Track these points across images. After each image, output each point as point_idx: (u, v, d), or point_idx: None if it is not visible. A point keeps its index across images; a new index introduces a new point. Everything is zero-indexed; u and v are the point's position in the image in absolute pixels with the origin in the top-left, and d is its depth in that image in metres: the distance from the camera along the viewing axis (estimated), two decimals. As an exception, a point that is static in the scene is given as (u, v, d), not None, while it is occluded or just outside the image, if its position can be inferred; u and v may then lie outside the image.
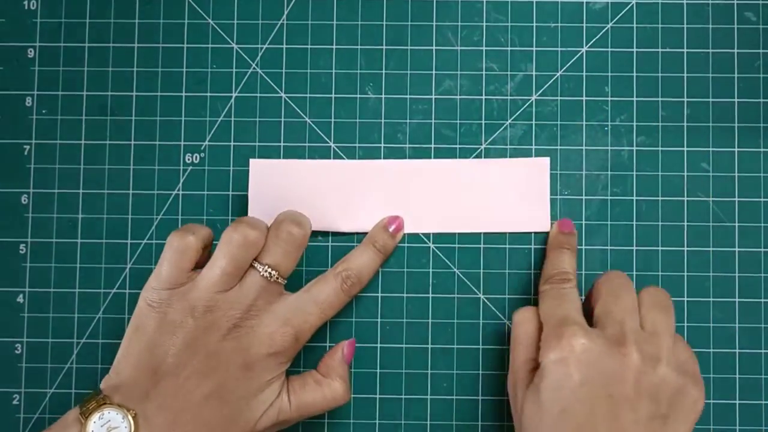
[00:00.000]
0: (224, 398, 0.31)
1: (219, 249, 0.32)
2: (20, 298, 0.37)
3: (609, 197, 0.37)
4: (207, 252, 0.33)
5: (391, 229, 0.36)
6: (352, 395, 0.37)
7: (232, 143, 0.37)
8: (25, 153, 0.38)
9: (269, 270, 0.32)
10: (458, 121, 0.38)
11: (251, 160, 0.37)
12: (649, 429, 0.29)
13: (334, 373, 0.34)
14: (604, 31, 0.38)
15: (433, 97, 0.38)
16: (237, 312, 0.31)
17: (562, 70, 0.38)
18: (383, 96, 0.38)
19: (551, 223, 0.37)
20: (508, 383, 0.33)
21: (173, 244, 0.32)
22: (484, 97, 0.38)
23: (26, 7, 0.38)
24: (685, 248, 0.37)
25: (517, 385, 0.32)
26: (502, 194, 0.37)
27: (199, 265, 0.32)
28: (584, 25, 0.38)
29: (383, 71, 0.38)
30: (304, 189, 0.37)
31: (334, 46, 0.38)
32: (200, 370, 0.31)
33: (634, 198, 0.37)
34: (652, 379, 0.29)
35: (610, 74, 0.37)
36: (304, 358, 0.37)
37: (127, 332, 0.32)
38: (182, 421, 0.30)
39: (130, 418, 0.29)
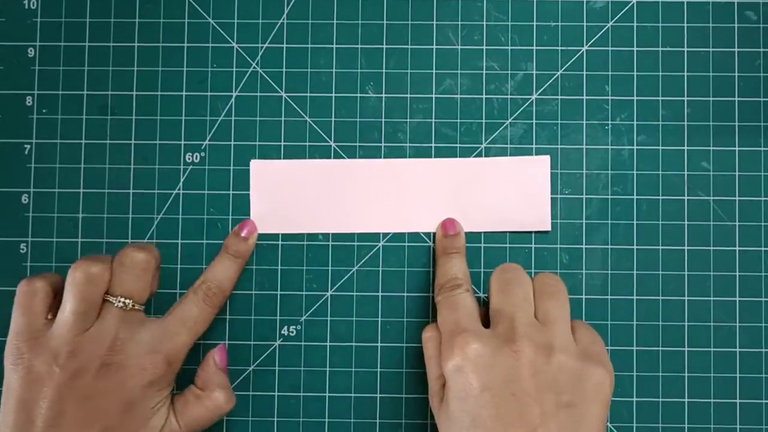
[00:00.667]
0: None
1: (66, 292, 0.31)
2: (21, 298, 0.37)
3: (609, 196, 0.37)
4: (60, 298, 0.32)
5: (243, 234, 0.36)
6: (353, 394, 0.37)
7: (232, 142, 0.38)
8: (26, 152, 0.38)
9: (122, 300, 0.32)
10: (458, 121, 0.38)
11: (252, 161, 0.37)
12: (558, 419, 0.28)
13: (212, 384, 0.34)
14: (604, 30, 0.38)
15: (434, 96, 0.38)
16: (101, 350, 0.30)
17: (563, 69, 0.38)
18: (384, 95, 0.38)
19: (549, 222, 0.37)
20: (430, 399, 0.33)
21: (19, 291, 0.31)
22: (484, 96, 0.38)
23: (26, 7, 0.38)
24: (686, 247, 0.37)
25: (433, 402, 0.32)
26: (502, 193, 0.37)
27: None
28: (584, 24, 0.38)
29: (383, 70, 0.38)
30: (305, 189, 0.37)
31: (334, 46, 0.38)
32: (80, 418, 0.30)
33: (635, 197, 0.37)
34: (549, 370, 0.29)
35: (610, 73, 0.37)
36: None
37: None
38: None
39: None
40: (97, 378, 0.30)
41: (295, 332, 0.37)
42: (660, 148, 0.37)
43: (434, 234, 0.37)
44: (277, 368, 0.37)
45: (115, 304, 0.31)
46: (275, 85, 0.38)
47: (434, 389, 0.32)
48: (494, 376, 0.29)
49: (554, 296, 0.32)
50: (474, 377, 0.29)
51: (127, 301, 0.32)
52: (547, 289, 0.32)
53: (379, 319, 0.37)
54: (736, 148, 0.37)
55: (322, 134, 0.38)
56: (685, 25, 0.38)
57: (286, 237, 0.37)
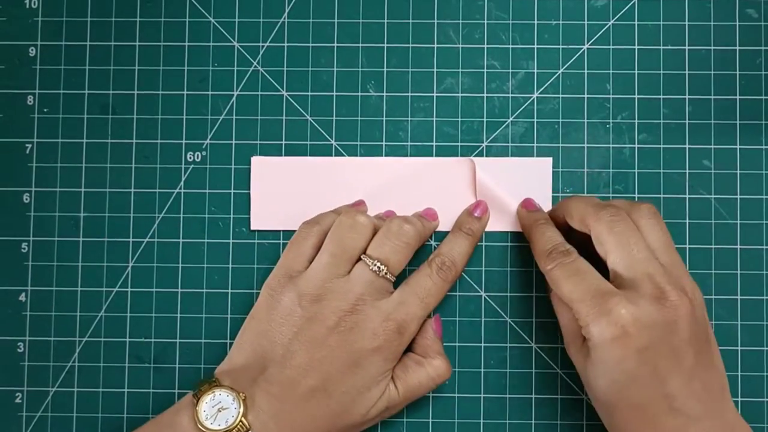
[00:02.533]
0: (330, 393, 0.31)
1: (329, 235, 0.33)
2: (22, 297, 0.37)
3: (611, 195, 0.37)
4: None
5: (476, 213, 0.36)
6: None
7: (233, 141, 0.38)
8: (27, 152, 0.38)
9: (378, 264, 0.32)
10: (459, 119, 0.38)
11: (253, 158, 0.37)
12: (703, 357, 0.30)
13: (432, 351, 0.34)
14: (605, 28, 0.38)
15: (435, 95, 0.38)
16: (343, 304, 0.31)
17: (564, 67, 0.38)
18: (384, 94, 0.38)
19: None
20: (566, 348, 0.33)
21: (298, 230, 0.34)
22: (485, 94, 0.38)
23: (28, 6, 0.38)
24: (687, 245, 0.37)
25: (573, 347, 0.32)
26: (504, 193, 0.37)
27: None
28: (585, 22, 0.38)
29: (384, 69, 0.38)
30: (306, 186, 0.37)
31: (335, 44, 0.38)
32: (306, 362, 0.31)
33: (636, 195, 0.37)
34: (695, 315, 0.30)
35: (611, 72, 0.37)
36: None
37: (244, 322, 0.33)
38: (287, 410, 0.30)
39: (240, 399, 0.30)
40: (331, 330, 0.31)
41: (296, 331, 0.37)
42: (661, 146, 0.37)
43: (436, 233, 0.37)
44: (278, 367, 0.37)
45: (370, 267, 0.32)
46: (276, 84, 0.38)
47: (573, 337, 0.32)
48: (654, 335, 0.29)
49: (664, 233, 0.32)
50: (635, 339, 0.29)
51: (382, 267, 0.32)
52: (656, 228, 0.32)
53: (381, 317, 0.37)
54: (737, 147, 0.37)
55: (323, 133, 0.38)
56: (686, 23, 0.38)
57: (288, 234, 0.37)
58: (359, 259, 0.33)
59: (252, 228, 0.37)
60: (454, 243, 0.35)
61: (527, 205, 0.36)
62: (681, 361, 0.29)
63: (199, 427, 0.30)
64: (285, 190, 0.37)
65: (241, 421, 0.29)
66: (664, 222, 0.32)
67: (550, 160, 0.37)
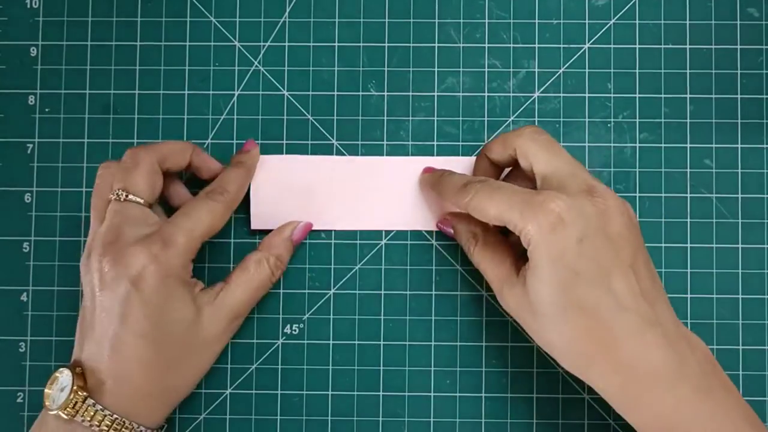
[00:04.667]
0: (142, 328, 0.31)
1: None
2: (24, 297, 0.37)
3: (612, 194, 0.37)
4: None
5: (247, 148, 0.36)
6: (356, 393, 0.37)
7: (234, 141, 0.38)
8: (28, 151, 0.38)
9: (116, 191, 0.32)
10: (461, 118, 0.38)
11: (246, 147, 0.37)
12: (642, 253, 0.30)
13: (273, 249, 0.35)
14: (606, 27, 0.38)
15: (436, 94, 0.38)
16: (101, 242, 0.31)
17: (565, 66, 0.38)
18: (386, 93, 0.38)
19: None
20: (499, 298, 0.32)
21: None
22: (486, 94, 0.38)
23: (29, 6, 0.38)
24: (689, 245, 0.37)
25: (509, 295, 0.31)
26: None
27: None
28: (587, 21, 0.38)
29: (385, 68, 0.38)
30: (307, 185, 0.37)
31: (336, 44, 0.38)
32: (100, 313, 0.31)
33: (637, 195, 0.37)
34: (627, 210, 0.30)
35: (612, 71, 0.37)
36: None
37: None
38: (114, 367, 0.30)
39: (74, 372, 0.30)
40: (102, 271, 0.31)
41: (297, 330, 0.37)
42: (662, 145, 0.37)
43: (436, 232, 0.37)
44: (280, 366, 0.37)
45: (113, 198, 0.32)
46: (277, 84, 0.38)
47: (503, 281, 0.32)
48: (589, 224, 0.29)
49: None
50: (571, 229, 0.28)
51: (121, 192, 0.32)
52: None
53: (382, 317, 0.37)
54: (739, 146, 0.37)
55: (324, 132, 0.38)
56: (688, 22, 0.38)
57: (289, 235, 0.37)
58: None
59: (252, 228, 0.37)
60: (225, 173, 0.35)
61: (426, 170, 0.36)
62: (619, 253, 0.29)
63: (50, 413, 0.30)
64: (285, 189, 0.37)
65: (74, 390, 0.29)
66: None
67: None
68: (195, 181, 0.36)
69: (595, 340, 0.28)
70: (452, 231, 0.36)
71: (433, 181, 0.35)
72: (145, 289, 0.30)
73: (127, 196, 0.32)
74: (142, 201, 0.32)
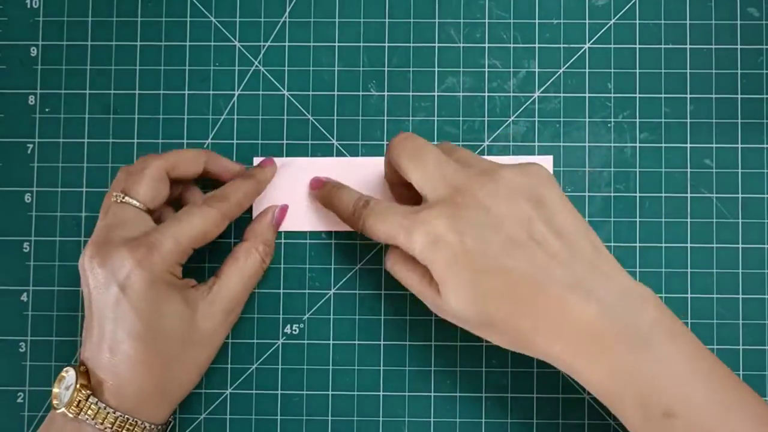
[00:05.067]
0: (136, 329, 0.30)
1: None
2: (24, 297, 0.37)
3: (612, 194, 0.37)
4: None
5: (261, 165, 0.36)
6: (356, 393, 0.37)
7: (234, 141, 0.38)
8: (29, 151, 0.38)
9: (115, 194, 0.32)
10: (461, 119, 0.38)
11: (255, 159, 0.37)
12: (538, 217, 0.29)
13: (260, 236, 0.35)
14: (606, 27, 0.38)
15: (436, 94, 0.38)
16: (94, 241, 0.31)
17: (565, 66, 0.38)
18: (386, 93, 0.38)
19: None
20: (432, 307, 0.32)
21: None
22: (486, 94, 0.38)
23: (29, 6, 0.38)
24: (689, 245, 0.37)
25: (433, 302, 0.31)
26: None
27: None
28: (587, 21, 0.38)
29: (386, 68, 0.38)
30: (308, 187, 0.37)
31: (336, 44, 0.38)
32: (100, 314, 0.31)
33: (638, 194, 0.37)
34: (497, 187, 0.29)
35: (612, 71, 0.37)
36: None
37: None
38: (115, 364, 0.30)
39: (78, 371, 0.30)
40: (90, 271, 0.31)
41: (298, 330, 0.37)
42: (662, 145, 0.37)
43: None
44: (280, 366, 0.37)
45: (113, 200, 0.32)
46: (277, 84, 0.38)
47: (429, 291, 0.31)
48: (467, 224, 0.29)
49: (457, 149, 0.33)
50: (451, 237, 0.29)
51: (120, 195, 0.32)
52: (448, 147, 0.33)
53: (382, 317, 0.37)
54: (739, 145, 0.37)
55: (325, 132, 0.38)
56: (688, 22, 0.38)
57: (289, 235, 0.37)
58: None
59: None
60: (231, 183, 0.35)
61: (313, 185, 0.36)
62: (510, 232, 0.29)
63: (57, 412, 0.30)
64: (286, 190, 0.37)
65: (77, 389, 0.30)
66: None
67: (550, 158, 0.37)
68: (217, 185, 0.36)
69: (526, 318, 0.28)
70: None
71: (324, 202, 0.36)
72: (132, 294, 0.30)
73: (124, 198, 0.32)
74: (138, 204, 0.32)
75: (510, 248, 0.28)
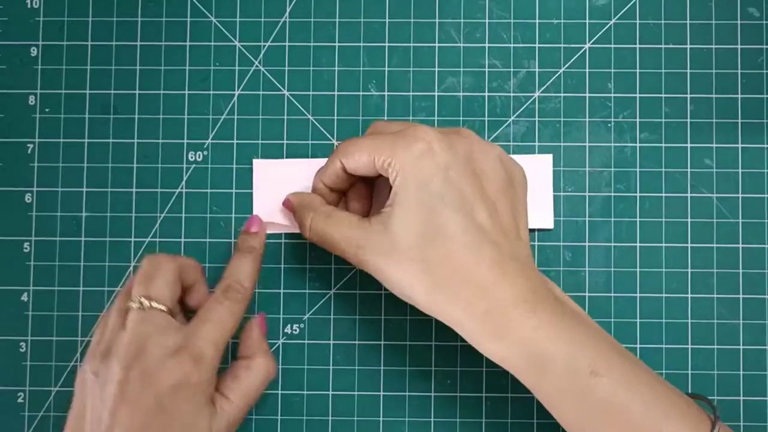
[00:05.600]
0: None
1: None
2: (24, 297, 0.37)
3: (612, 194, 0.37)
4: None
5: (253, 230, 0.35)
6: (356, 393, 0.37)
7: (235, 141, 0.38)
8: (29, 151, 0.38)
9: (138, 299, 0.31)
10: (461, 119, 0.38)
11: (254, 161, 0.37)
12: (507, 195, 0.31)
13: (257, 350, 0.34)
14: (607, 27, 0.38)
15: (436, 94, 0.38)
16: (126, 352, 0.30)
17: (565, 66, 0.38)
18: (386, 93, 0.38)
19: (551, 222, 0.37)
20: (353, 256, 0.31)
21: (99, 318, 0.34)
22: (486, 94, 0.38)
23: (29, 6, 0.38)
24: (689, 244, 0.37)
25: (361, 239, 0.31)
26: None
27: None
28: (587, 21, 0.38)
29: (386, 68, 0.38)
30: (308, 187, 0.37)
31: (336, 44, 0.38)
32: (113, 425, 0.29)
33: (638, 194, 0.37)
34: (492, 150, 0.31)
35: (613, 71, 0.37)
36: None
37: None
38: None
39: None
40: (123, 384, 0.29)
41: (298, 330, 0.37)
42: (663, 145, 0.37)
43: None
44: (280, 366, 0.37)
45: (134, 306, 0.31)
46: (278, 84, 0.38)
47: (356, 236, 0.31)
48: (456, 156, 0.30)
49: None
50: (440, 157, 0.29)
51: (144, 300, 0.31)
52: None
53: (382, 317, 0.37)
54: (739, 145, 0.37)
55: (325, 132, 0.38)
56: (688, 22, 0.37)
57: (289, 236, 0.37)
58: None
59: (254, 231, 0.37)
60: (238, 264, 0.34)
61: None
62: (484, 187, 0.30)
63: None
64: (286, 192, 0.37)
65: None
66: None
67: (550, 156, 0.37)
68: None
69: (458, 267, 0.29)
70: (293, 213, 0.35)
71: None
72: (172, 407, 0.29)
73: (150, 304, 0.31)
74: (165, 309, 0.32)
75: (479, 204, 0.30)
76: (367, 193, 0.35)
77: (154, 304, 0.31)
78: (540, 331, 0.28)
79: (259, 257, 0.35)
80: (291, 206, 0.35)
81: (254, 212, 0.37)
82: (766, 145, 0.37)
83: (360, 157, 0.31)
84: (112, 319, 0.32)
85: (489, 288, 0.29)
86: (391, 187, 0.31)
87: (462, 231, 0.29)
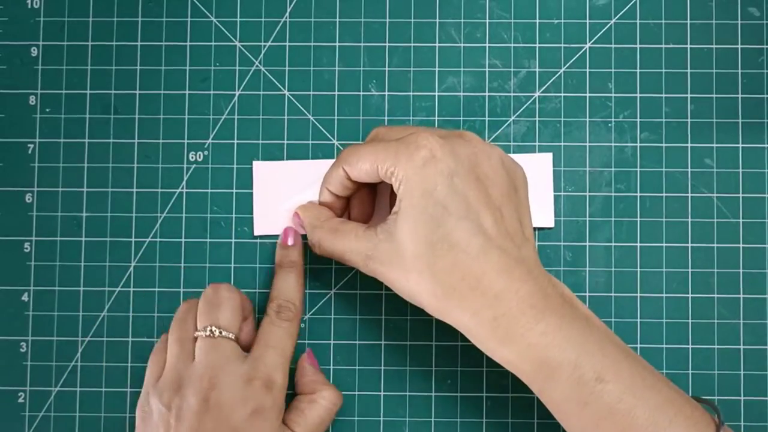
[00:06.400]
0: None
1: (170, 328, 0.33)
2: (25, 297, 0.37)
3: (613, 194, 0.37)
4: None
5: (289, 243, 0.35)
6: (357, 392, 0.37)
7: (235, 141, 0.38)
8: (29, 152, 0.38)
9: (209, 328, 0.32)
10: (461, 118, 0.38)
11: (254, 162, 0.37)
12: (512, 201, 0.31)
13: (318, 384, 0.34)
14: (607, 27, 0.38)
15: (437, 94, 0.38)
16: (201, 383, 0.31)
17: (566, 66, 0.38)
18: (386, 93, 0.38)
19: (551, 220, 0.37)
20: (363, 266, 0.31)
21: (156, 346, 0.34)
22: (487, 93, 0.38)
23: (29, 6, 0.38)
24: (689, 244, 0.37)
25: (369, 248, 0.31)
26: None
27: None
28: (587, 21, 0.38)
29: (386, 68, 0.38)
30: (309, 190, 0.37)
31: (337, 44, 0.38)
32: None
33: (638, 194, 0.37)
34: (495, 154, 0.31)
35: (613, 70, 0.37)
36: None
37: None
38: None
39: None
40: (201, 415, 0.30)
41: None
42: (663, 145, 0.37)
43: None
44: (280, 366, 0.37)
45: (203, 335, 0.32)
46: (278, 84, 0.38)
47: (365, 246, 0.31)
48: (460, 162, 0.30)
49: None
50: (443, 164, 0.29)
51: (214, 329, 0.32)
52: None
53: (383, 317, 0.37)
54: (740, 145, 0.37)
55: (325, 132, 0.38)
56: (688, 21, 0.38)
57: (290, 235, 0.37)
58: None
59: (255, 233, 0.37)
60: (283, 281, 0.35)
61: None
62: (489, 193, 0.30)
63: None
64: (287, 195, 0.37)
65: None
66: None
67: (550, 155, 0.37)
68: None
69: (466, 275, 0.29)
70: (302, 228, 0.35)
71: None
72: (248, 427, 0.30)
73: (221, 332, 0.32)
74: (233, 337, 0.32)
75: (484, 210, 0.29)
76: (370, 197, 0.35)
77: (224, 333, 0.32)
78: (547, 337, 0.28)
79: (301, 271, 0.35)
80: (300, 222, 0.35)
81: (255, 214, 0.37)
82: (766, 145, 0.37)
83: (363, 166, 0.31)
84: (174, 350, 0.32)
85: (497, 295, 0.28)
86: (393, 192, 0.31)
87: (468, 238, 0.29)
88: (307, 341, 0.37)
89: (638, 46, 0.37)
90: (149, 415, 0.32)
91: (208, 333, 0.32)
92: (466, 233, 0.29)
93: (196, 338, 0.32)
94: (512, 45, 0.38)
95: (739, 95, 0.37)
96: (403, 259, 0.29)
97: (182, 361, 0.32)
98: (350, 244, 0.32)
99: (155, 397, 0.31)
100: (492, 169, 0.30)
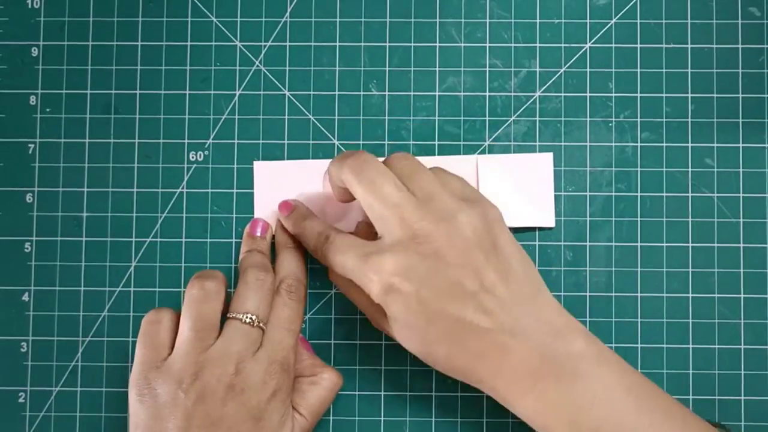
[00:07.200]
0: None
1: (183, 312, 0.32)
2: (25, 297, 0.37)
3: (613, 193, 0.37)
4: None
5: (258, 234, 0.36)
6: (357, 392, 0.37)
7: (236, 141, 0.38)
8: (30, 151, 0.38)
9: (250, 316, 0.32)
10: (462, 118, 0.38)
11: (255, 163, 0.37)
12: (491, 262, 0.30)
13: (319, 367, 0.35)
14: (607, 27, 0.38)
15: (437, 93, 0.38)
16: (227, 368, 0.30)
17: (566, 66, 0.38)
18: (387, 93, 0.38)
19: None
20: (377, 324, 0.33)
21: (144, 321, 0.32)
22: (487, 93, 0.38)
23: (30, 6, 0.38)
24: (690, 244, 0.37)
25: (381, 323, 0.32)
26: (506, 190, 0.37)
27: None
28: (588, 21, 0.38)
29: (387, 68, 0.38)
30: (309, 190, 0.37)
31: (337, 44, 0.38)
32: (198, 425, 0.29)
33: (639, 194, 0.37)
34: (458, 233, 0.30)
35: (613, 70, 0.37)
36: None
37: None
38: None
39: None
40: (224, 400, 0.30)
41: (299, 330, 0.37)
42: (664, 145, 0.37)
43: None
44: (281, 366, 0.37)
45: (244, 320, 0.31)
46: (278, 84, 0.38)
47: (379, 313, 0.32)
48: (421, 276, 0.29)
49: (417, 173, 0.32)
50: (405, 287, 0.30)
51: (254, 317, 0.32)
52: (407, 170, 0.32)
53: (383, 317, 0.37)
54: (740, 145, 0.37)
55: (326, 132, 0.38)
56: (689, 21, 0.37)
57: (290, 235, 0.37)
58: (227, 318, 0.32)
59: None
60: (287, 260, 0.35)
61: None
62: (463, 281, 0.29)
63: None
64: (288, 195, 0.37)
65: None
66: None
67: (550, 155, 0.37)
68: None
69: (469, 358, 0.30)
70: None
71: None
72: (269, 417, 0.31)
73: (258, 323, 0.32)
74: (264, 327, 0.32)
75: (462, 298, 0.30)
76: None
77: (261, 325, 0.32)
78: (539, 404, 0.29)
79: (295, 247, 0.36)
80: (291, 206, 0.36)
81: (256, 214, 0.37)
82: (767, 145, 0.37)
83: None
84: (188, 335, 0.31)
85: (500, 369, 0.30)
86: None
87: (458, 333, 0.30)
88: (307, 341, 0.37)
89: (639, 45, 0.37)
90: (153, 399, 0.30)
91: (248, 320, 0.31)
92: (455, 328, 0.30)
93: (228, 318, 0.32)
94: (513, 45, 0.38)
95: (740, 95, 0.37)
96: (404, 343, 0.32)
97: (204, 347, 0.31)
98: (362, 303, 0.33)
99: (164, 380, 0.30)
100: (458, 252, 0.30)
